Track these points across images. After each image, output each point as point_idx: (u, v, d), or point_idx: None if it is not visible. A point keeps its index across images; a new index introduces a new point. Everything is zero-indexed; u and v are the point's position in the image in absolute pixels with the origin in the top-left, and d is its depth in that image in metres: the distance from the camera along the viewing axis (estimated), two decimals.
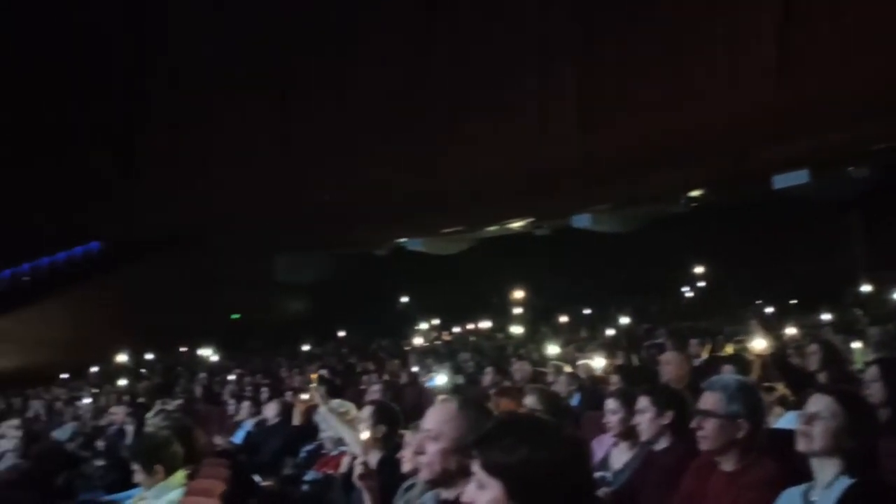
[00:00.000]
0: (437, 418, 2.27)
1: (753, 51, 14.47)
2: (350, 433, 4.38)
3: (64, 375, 16.72)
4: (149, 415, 6.76)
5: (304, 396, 6.31)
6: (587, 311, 18.57)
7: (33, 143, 20.58)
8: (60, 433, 7.94)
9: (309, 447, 5.57)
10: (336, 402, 5.03)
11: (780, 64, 14.15)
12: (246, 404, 7.54)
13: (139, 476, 3.67)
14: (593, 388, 6.36)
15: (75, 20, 21.17)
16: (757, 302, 15.05)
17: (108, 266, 20.77)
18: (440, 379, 6.90)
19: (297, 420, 6.36)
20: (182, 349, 17.64)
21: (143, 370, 15.68)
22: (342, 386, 8.48)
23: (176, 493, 3.51)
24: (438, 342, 16.72)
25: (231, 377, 11.35)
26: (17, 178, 20.09)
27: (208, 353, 16.41)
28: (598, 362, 8.03)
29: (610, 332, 13.74)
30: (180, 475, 3.64)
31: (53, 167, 20.77)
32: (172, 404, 7.35)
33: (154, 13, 22.23)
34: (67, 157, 21.12)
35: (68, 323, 19.35)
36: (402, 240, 20.27)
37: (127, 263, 20.66)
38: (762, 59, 14.36)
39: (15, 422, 6.33)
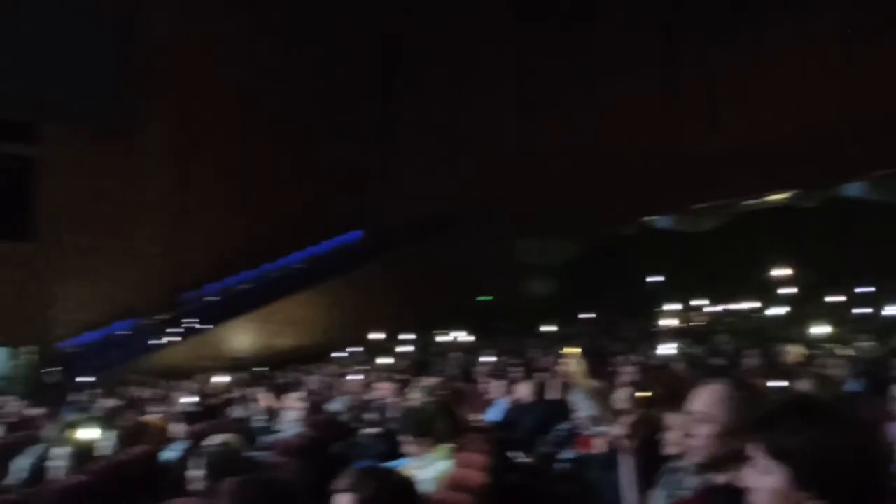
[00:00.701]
0: (707, 400, 2.17)
1: None
2: (608, 413, 4.33)
3: (335, 354, 18.29)
4: (410, 391, 7.17)
5: (562, 370, 6.33)
6: (862, 290, 16.81)
7: (303, 142, 22.54)
8: (334, 405, 8.64)
9: (563, 426, 5.60)
10: (570, 349, 4.99)
11: None
12: (498, 383, 7.74)
13: (409, 447, 3.88)
14: (874, 373, 5.76)
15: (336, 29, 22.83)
16: None
17: (370, 254, 22.29)
18: None
19: (550, 399, 6.42)
20: (437, 330, 18.52)
21: (402, 349, 16.66)
22: (592, 367, 8.42)
23: (444, 465, 3.67)
24: (692, 323, 16.07)
25: (483, 357, 11.71)
26: (287, 177, 22.19)
27: (461, 334, 17.09)
28: (875, 345, 7.27)
29: (892, 311, 12.35)
30: (446, 447, 3.81)
31: (320, 164, 22.64)
32: (431, 381, 7.71)
33: (399, 14, 23.40)
34: (334, 152, 22.92)
35: (336, 306, 21.08)
36: (651, 218, 19.69)
37: (387, 251, 22.03)
38: None
39: (300, 394, 7.01)
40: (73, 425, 5.69)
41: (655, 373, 7.16)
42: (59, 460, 4.95)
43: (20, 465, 5.27)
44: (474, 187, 21.31)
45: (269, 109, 21.91)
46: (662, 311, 16.70)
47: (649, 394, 4.59)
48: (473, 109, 22.44)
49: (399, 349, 16.39)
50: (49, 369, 17.34)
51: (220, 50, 21.15)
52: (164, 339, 19.36)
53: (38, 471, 5.04)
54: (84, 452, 5.08)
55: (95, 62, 18.86)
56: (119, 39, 19.48)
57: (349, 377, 10.59)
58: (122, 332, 19.32)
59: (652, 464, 3.13)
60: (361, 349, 17.54)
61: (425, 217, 21.80)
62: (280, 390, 9.20)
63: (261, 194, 21.55)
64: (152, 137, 20.44)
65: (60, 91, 18.26)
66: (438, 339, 17.85)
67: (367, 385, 9.32)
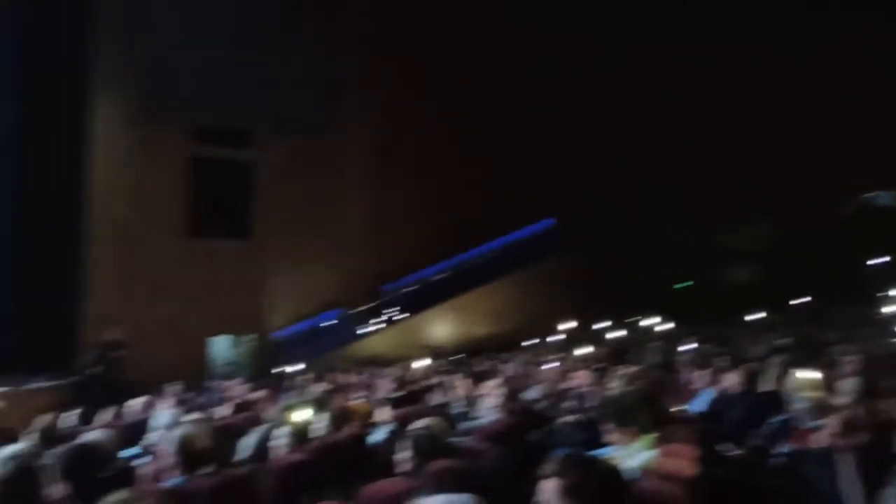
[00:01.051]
0: None
1: None
2: (827, 406, 4.01)
3: (527, 343, 18.37)
4: (608, 379, 7.04)
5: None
6: None
7: (495, 133, 22.73)
8: (531, 393, 8.68)
9: (777, 418, 5.26)
10: (808, 373, 4.65)
11: None
12: (702, 372, 7.42)
13: (612, 436, 3.79)
14: None
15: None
16: None
17: (563, 242, 22.14)
18: None
19: (760, 390, 6.07)
20: (633, 318, 18.09)
21: (598, 337, 16.43)
22: (805, 357, 7.86)
23: (648, 454, 3.55)
24: None
25: (683, 345, 11.30)
26: (481, 168, 22.45)
27: (659, 322, 16.58)
28: None
29: None
30: (650, 437, 3.69)
31: (513, 155, 22.73)
32: (630, 370, 7.53)
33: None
34: (525, 142, 22.94)
35: (529, 295, 21.16)
36: (871, 194, 18.07)
37: (580, 238, 21.81)
38: None
39: (497, 381, 7.10)
40: (290, 408, 6.12)
41: (883, 363, 6.56)
42: (279, 439, 5.34)
43: (246, 444, 5.71)
44: (672, 171, 20.63)
45: (463, 102, 22.29)
46: (887, 297, 15.25)
47: (875, 386, 4.21)
48: (669, 91, 21.73)
49: (595, 337, 16.18)
50: (270, 356, 18.75)
51: (417, 52, 21.79)
52: (367, 329, 20.34)
53: (262, 449, 5.45)
54: (301, 433, 5.45)
55: (303, 71, 20.15)
56: (323, 47, 20.67)
57: (545, 365, 10.59)
58: (329, 323, 20.50)
59: (881, 461, 2.87)
60: (558, 338, 17.48)
61: (619, 203, 21.36)
62: (477, 377, 9.37)
63: (455, 187, 22.00)
64: (353, 138, 21.44)
65: (273, 99, 19.68)
66: (636, 327, 17.44)
67: (563, 373, 9.28)
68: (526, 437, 6.11)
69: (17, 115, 17.03)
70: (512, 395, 6.99)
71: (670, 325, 16.58)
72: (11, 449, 3.41)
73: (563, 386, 8.56)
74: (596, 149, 22.93)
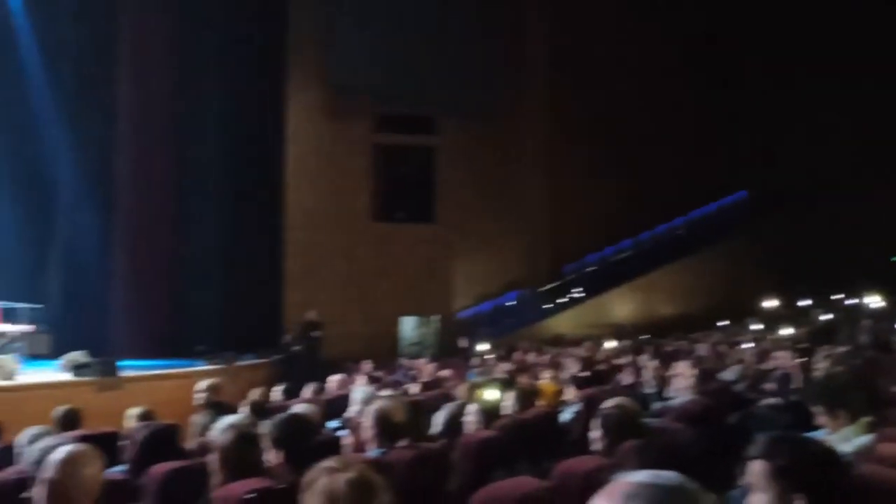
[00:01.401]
0: None
1: None
2: None
3: (720, 323, 17.55)
4: (814, 360, 6.59)
5: None
6: None
7: (679, 107, 21.81)
8: (726, 375, 8.29)
9: None
10: None
11: None
12: None
13: (821, 419, 3.55)
14: None
15: None
16: None
17: (757, 215, 21.00)
18: None
19: None
20: (840, 294, 16.78)
21: (801, 317, 15.43)
22: None
23: (865, 439, 3.28)
24: None
25: None
26: (663, 142, 21.60)
27: (871, 299, 15.29)
28: None
29: None
30: (865, 421, 3.41)
31: (697, 126, 21.76)
32: (839, 351, 7.00)
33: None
34: (711, 114, 21.85)
35: (720, 272, 20.25)
36: None
37: (775, 211, 20.59)
38: None
39: (688, 362, 6.84)
40: (479, 386, 6.23)
41: None
42: (469, 416, 5.45)
43: (437, 420, 5.87)
44: (885, 136, 18.95)
45: (643, 80, 21.54)
46: None
47: None
48: (863, 60, 19.95)
49: (798, 316, 15.21)
50: (458, 336, 19.22)
51: (595, 31, 21.30)
52: (550, 308, 20.34)
53: (454, 424, 5.57)
54: (490, 410, 5.53)
55: (479, 56, 20.37)
56: (500, 32, 20.78)
57: (743, 346, 10.09)
58: (512, 303, 20.68)
59: None
60: (755, 317, 16.59)
61: (822, 171, 19.86)
62: (667, 358, 9.09)
63: (636, 163, 21.38)
64: (529, 120, 21.35)
65: (451, 86, 20.08)
66: (842, 304, 16.19)
67: (761, 354, 8.81)
68: (723, 418, 5.86)
69: (223, 112, 18.46)
70: (706, 376, 6.72)
71: (883, 303, 15.20)
72: (230, 419, 3.71)
73: (763, 367, 8.12)
74: (794, 114, 21.41)
